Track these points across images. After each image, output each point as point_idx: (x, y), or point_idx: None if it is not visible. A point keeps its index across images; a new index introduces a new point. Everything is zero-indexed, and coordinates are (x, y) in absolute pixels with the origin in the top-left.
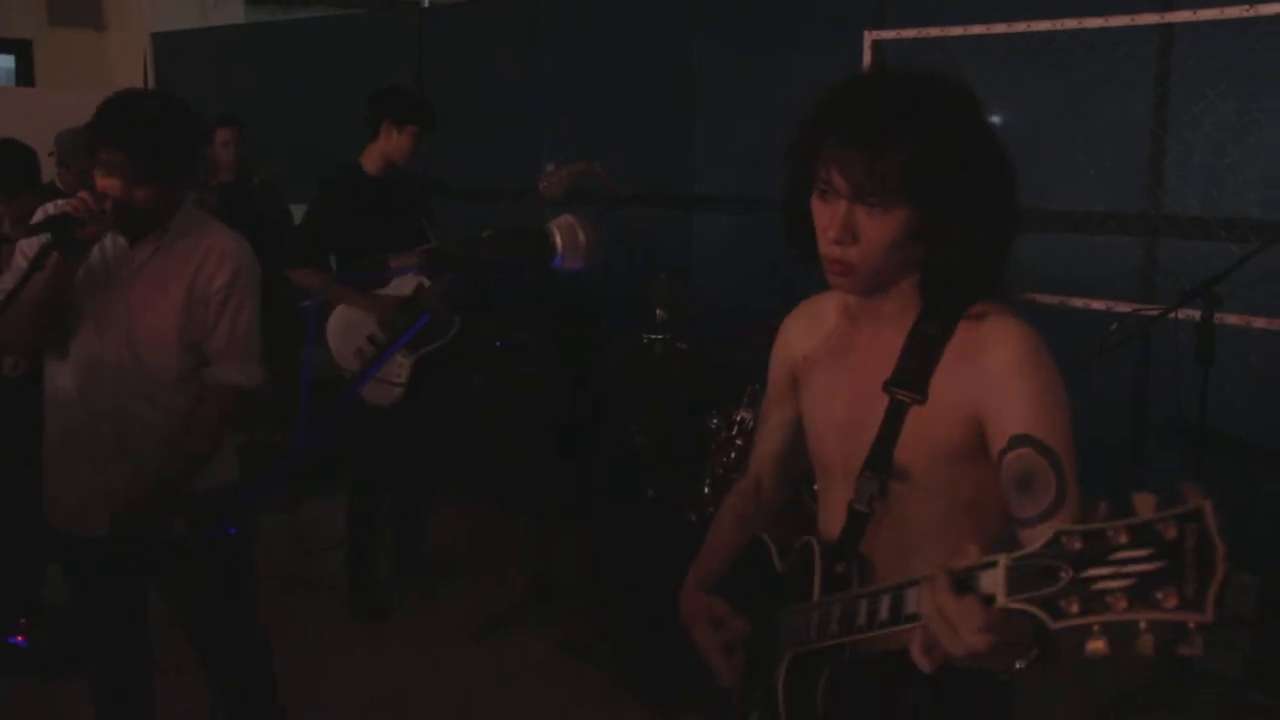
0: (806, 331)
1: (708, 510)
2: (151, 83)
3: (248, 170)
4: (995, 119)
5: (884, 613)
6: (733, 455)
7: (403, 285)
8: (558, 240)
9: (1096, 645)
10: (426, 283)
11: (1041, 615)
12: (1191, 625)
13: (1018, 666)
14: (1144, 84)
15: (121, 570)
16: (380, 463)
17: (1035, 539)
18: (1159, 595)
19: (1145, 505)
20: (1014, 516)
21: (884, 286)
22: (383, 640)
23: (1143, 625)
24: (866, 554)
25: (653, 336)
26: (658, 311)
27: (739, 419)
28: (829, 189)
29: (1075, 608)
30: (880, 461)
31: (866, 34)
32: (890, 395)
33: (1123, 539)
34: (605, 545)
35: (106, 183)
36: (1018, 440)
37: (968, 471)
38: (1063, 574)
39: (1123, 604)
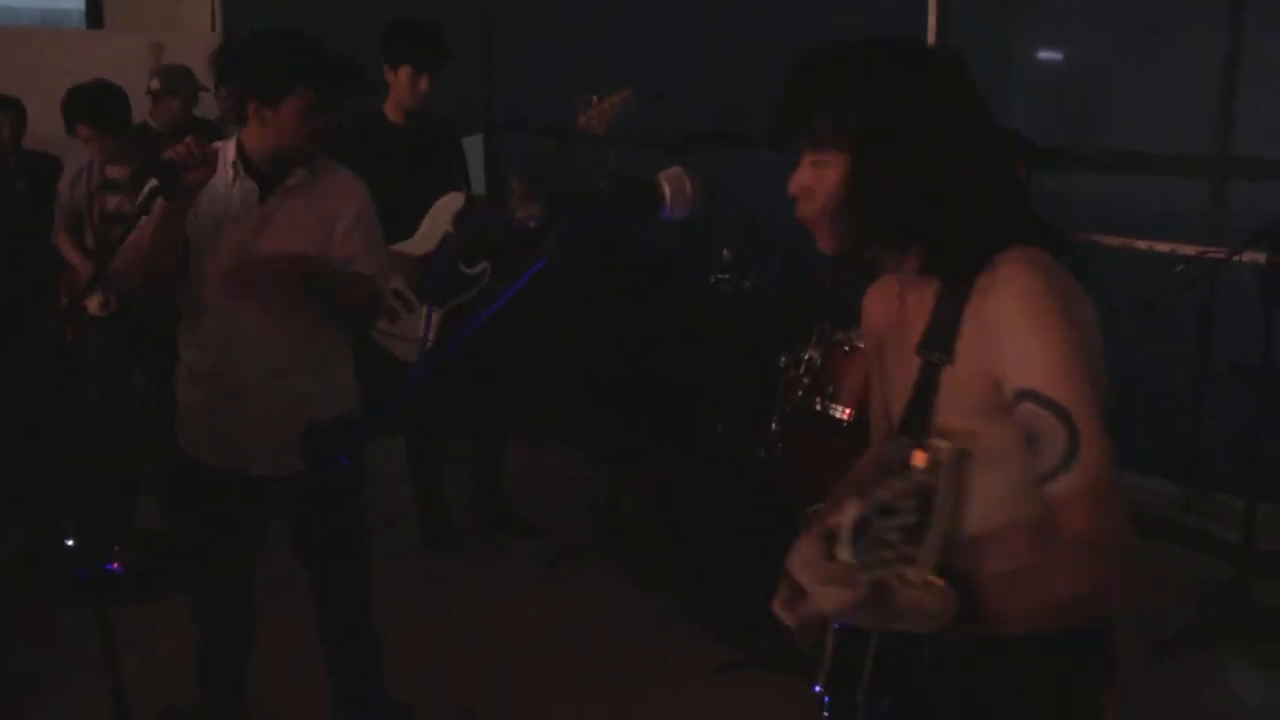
0: (879, 308)
1: (776, 447)
2: (219, 27)
3: None
4: (1062, 58)
5: None
6: (800, 393)
7: (422, 242)
8: (666, 191)
9: (907, 596)
10: (451, 230)
11: (857, 566)
12: (915, 579)
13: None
14: (1216, 24)
15: (254, 499)
16: (428, 412)
17: (1052, 497)
18: (909, 548)
19: (919, 458)
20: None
21: (887, 249)
22: (454, 575)
23: (913, 578)
24: None
25: (720, 276)
26: (724, 252)
27: (807, 357)
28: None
29: (873, 559)
30: (915, 424)
31: None
32: (923, 358)
33: (905, 488)
34: (675, 481)
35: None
36: (1019, 395)
37: (1002, 427)
38: (873, 525)
39: (890, 555)
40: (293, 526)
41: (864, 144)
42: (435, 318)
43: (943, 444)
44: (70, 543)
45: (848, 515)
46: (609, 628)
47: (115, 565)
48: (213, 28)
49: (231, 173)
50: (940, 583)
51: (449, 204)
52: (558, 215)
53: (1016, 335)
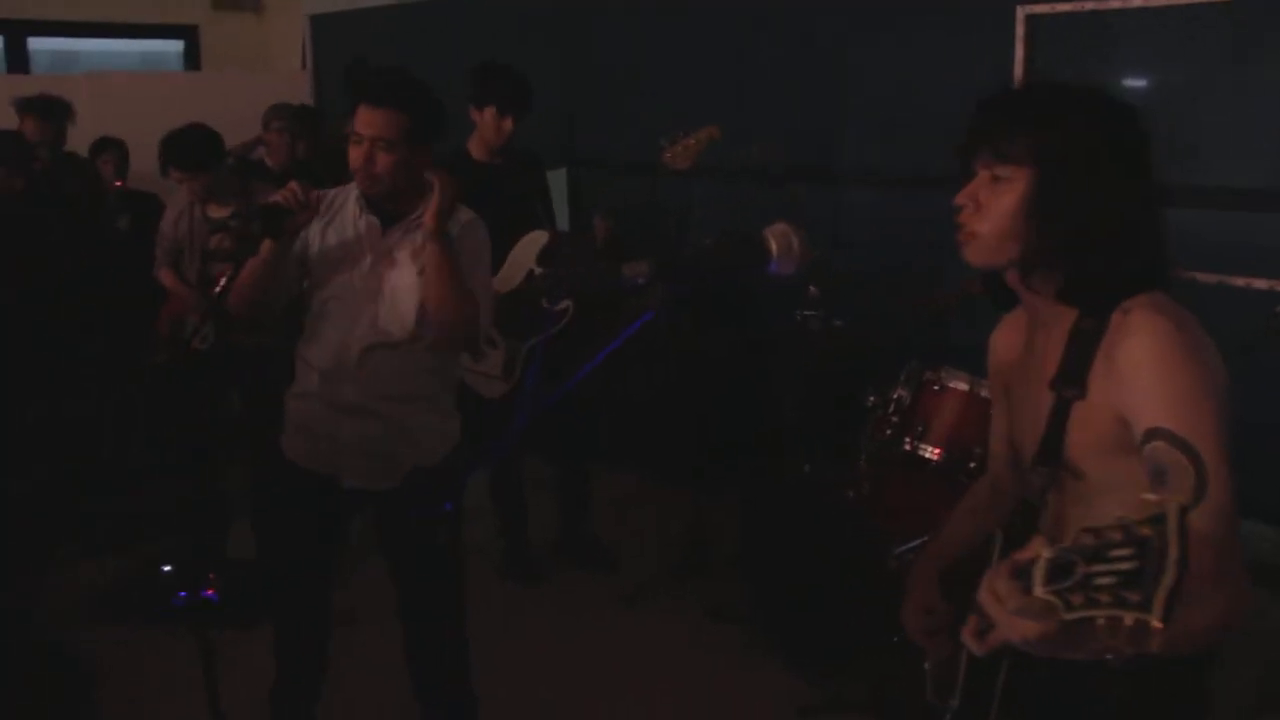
0: (1007, 344)
1: (864, 487)
2: (309, 65)
3: None
4: (1151, 91)
5: None
6: (889, 433)
7: (506, 279)
8: (773, 247)
9: (1115, 636)
10: (537, 270)
11: (1059, 605)
12: (1128, 622)
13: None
14: None
15: (340, 507)
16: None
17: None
18: (1129, 594)
19: (1140, 506)
20: None
21: (1045, 267)
22: (534, 605)
23: (1127, 621)
24: None
25: (807, 313)
26: (810, 288)
27: (896, 396)
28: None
29: (1079, 600)
30: (1049, 456)
31: (1019, 8)
32: (1056, 392)
33: (1117, 537)
34: (758, 517)
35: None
36: (1150, 434)
37: (1126, 462)
38: (1078, 569)
39: (1106, 599)
40: (389, 566)
41: (1049, 162)
42: (503, 356)
43: (1164, 497)
44: (167, 568)
45: (1040, 555)
46: (686, 663)
47: (211, 592)
48: (303, 66)
49: (356, 208)
50: (1160, 625)
51: (533, 241)
52: (666, 272)
53: (1149, 378)
